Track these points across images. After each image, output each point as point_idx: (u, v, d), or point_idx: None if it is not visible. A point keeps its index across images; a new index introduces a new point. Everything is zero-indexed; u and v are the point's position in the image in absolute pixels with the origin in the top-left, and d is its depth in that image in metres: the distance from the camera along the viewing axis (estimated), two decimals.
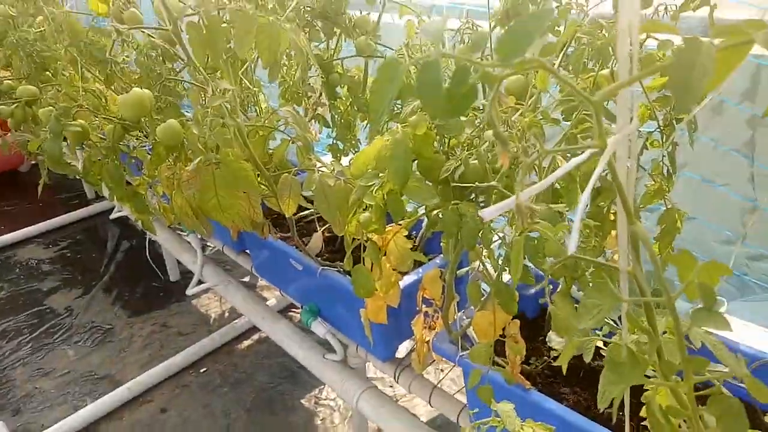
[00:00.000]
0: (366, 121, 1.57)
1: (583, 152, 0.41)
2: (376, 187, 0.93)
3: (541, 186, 0.42)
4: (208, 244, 2.10)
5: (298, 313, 2.48)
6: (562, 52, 0.90)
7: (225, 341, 2.34)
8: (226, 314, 2.53)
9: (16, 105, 1.93)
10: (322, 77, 1.51)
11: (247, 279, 2.64)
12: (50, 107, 1.58)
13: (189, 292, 2.02)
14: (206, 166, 0.98)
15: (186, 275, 2.81)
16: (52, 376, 2.22)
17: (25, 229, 3.32)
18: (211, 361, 2.26)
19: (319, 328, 1.53)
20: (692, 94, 0.33)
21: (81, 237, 3.29)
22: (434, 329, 1.29)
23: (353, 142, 1.60)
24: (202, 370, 2.21)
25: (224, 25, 1.03)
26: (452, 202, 0.88)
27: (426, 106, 0.36)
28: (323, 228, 1.56)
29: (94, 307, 2.63)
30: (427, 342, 1.29)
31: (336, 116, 1.55)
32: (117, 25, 1.25)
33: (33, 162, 4.34)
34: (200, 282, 2.06)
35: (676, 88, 0.34)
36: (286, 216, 1.24)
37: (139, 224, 1.82)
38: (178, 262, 2.82)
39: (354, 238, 1.03)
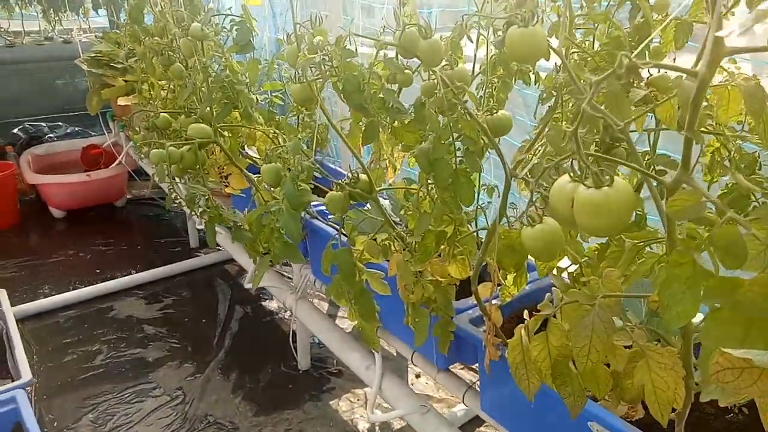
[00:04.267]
0: None
1: None
2: None
3: None
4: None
5: None
6: None
7: None
8: (377, 428, 1.99)
9: (189, 148, 1.50)
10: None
11: None
12: (276, 164, 1.12)
13: (372, 419, 1.51)
14: None
15: (318, 363, 2.30)
16: None
17: (125, 278, 2.90)
18: None
19: None
20: None
21: (186, 294, 2.84)
22: None
23: None
24: None
25: None
26: None
27: None
28: None
29: (210, 395, 2.13)
30: None
31: None
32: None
33: (128, 197, 3.99)
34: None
35: None
36: None
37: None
38: (312, 346, 2.32)
39: None
